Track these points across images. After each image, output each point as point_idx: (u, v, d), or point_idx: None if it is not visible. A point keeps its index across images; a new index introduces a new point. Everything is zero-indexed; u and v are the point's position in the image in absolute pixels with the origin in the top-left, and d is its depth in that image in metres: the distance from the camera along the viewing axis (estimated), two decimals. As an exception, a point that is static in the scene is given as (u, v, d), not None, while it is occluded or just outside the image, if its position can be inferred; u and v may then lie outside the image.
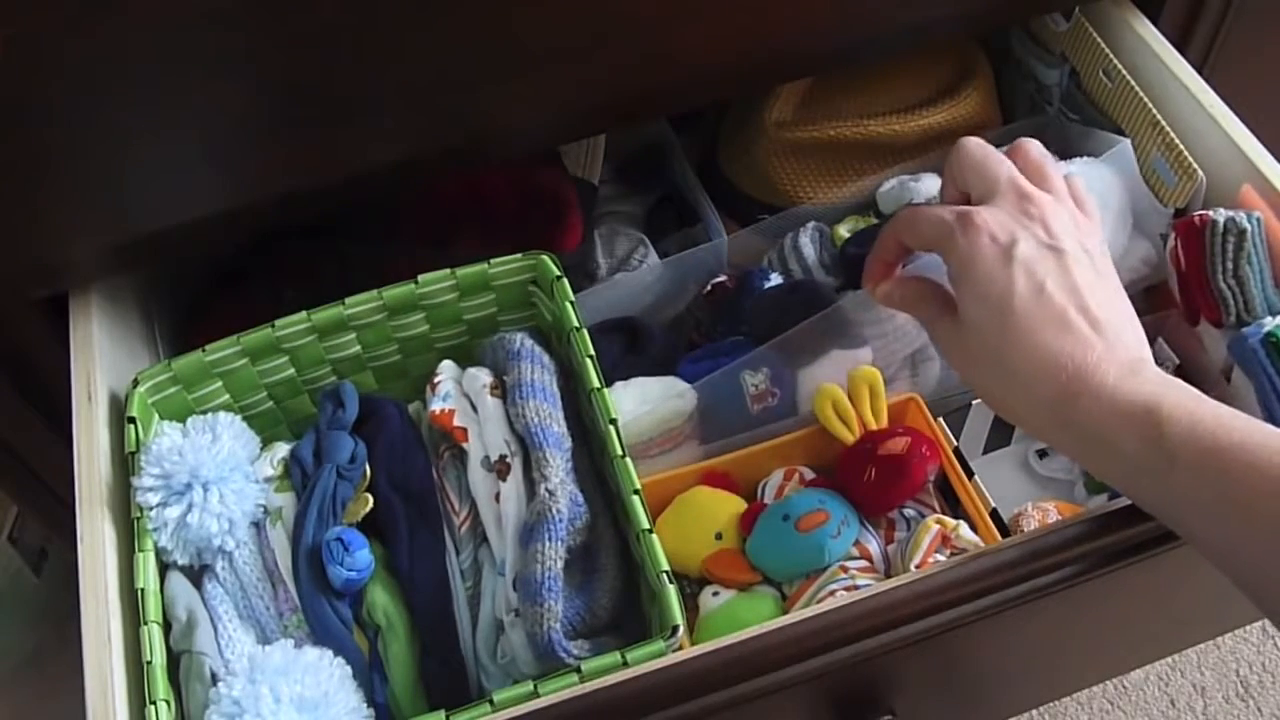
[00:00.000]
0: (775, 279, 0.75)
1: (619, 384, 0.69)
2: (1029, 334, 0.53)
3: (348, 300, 0.63)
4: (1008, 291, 0.53)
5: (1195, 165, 0.68)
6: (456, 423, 0.60)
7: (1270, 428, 0.47)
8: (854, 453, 0.68)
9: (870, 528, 0.67)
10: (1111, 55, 0.73)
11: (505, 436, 0.59)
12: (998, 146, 0.60)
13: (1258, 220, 0.63)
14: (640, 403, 0.68)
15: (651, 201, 0.92)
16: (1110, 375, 0.51)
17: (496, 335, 0.65)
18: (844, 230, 0.78)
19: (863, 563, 0.65)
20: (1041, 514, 0.72)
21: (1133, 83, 0.72)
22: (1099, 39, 0.74)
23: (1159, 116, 0.70)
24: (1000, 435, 0.81)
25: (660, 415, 0.68)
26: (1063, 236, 0.55)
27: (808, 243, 0.78)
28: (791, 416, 0.71)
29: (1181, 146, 0.69)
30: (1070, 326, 0.52)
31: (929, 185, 0.77)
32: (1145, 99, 0.71)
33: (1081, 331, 0.52)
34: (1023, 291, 0.53)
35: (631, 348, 0.72)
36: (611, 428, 0.57)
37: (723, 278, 0.77)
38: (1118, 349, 0.52)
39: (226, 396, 0.64)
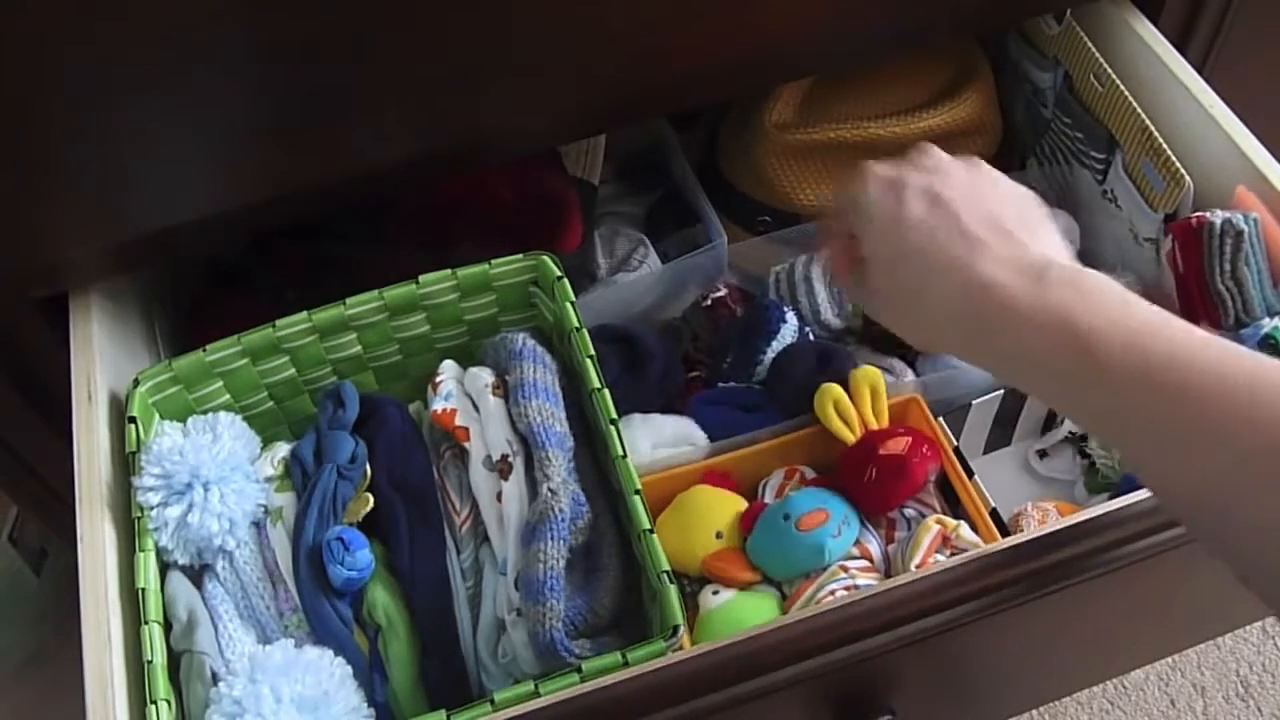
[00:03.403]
0: (791, 320, 0.74)
1: (637, 417, 0.70)
2: (924, 251, 0.52)
3: (349, 300, 0.63)
4: (900, 216, 0.53)
5: (1183, 171, 0.68)
6: (458, 422, 0.61)
7: (1194, 333, 0.44)
8: (855, 452, 0.68)
9: (871, 527, 0.67)
10: (1101, 59, 0.74)
11: (507, 436, 0.59)
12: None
13: (1255, 221, 0.63)
14: (654, 443, 0.69)
15: (651, 201, 0.92)
16: (1016, 282, 0.48)
17: (499, 335, 0.65)
18: None
19: (863, 562, 0.65)
20: (1041, 514, 0.72)
21: (1122, 87, 0.72)
22: (1089, 42, 0.75)
23: (1148, 121, 0.70)
24: (1000, 435, 0.81)
25: (673, 461, 0.69)
26: (948, 165, 0.55)
27: (819, 279, 0.77)
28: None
29: (1169, 152, 0.69)
30: (966, 234, 0.51)
31: None
32: (1134, 103, 0.71)
33: (978, 236, 0.50)
34: (915, 211, 0.53)
35: (631, 365, 0.72)
36: (612, 428, 0.57)
37: (722, 290, 0.77)
38: (1020, 250, 0.49)
39: (227, 396, 0.64)
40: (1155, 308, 0.45)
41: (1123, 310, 0.45)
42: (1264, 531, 0.40)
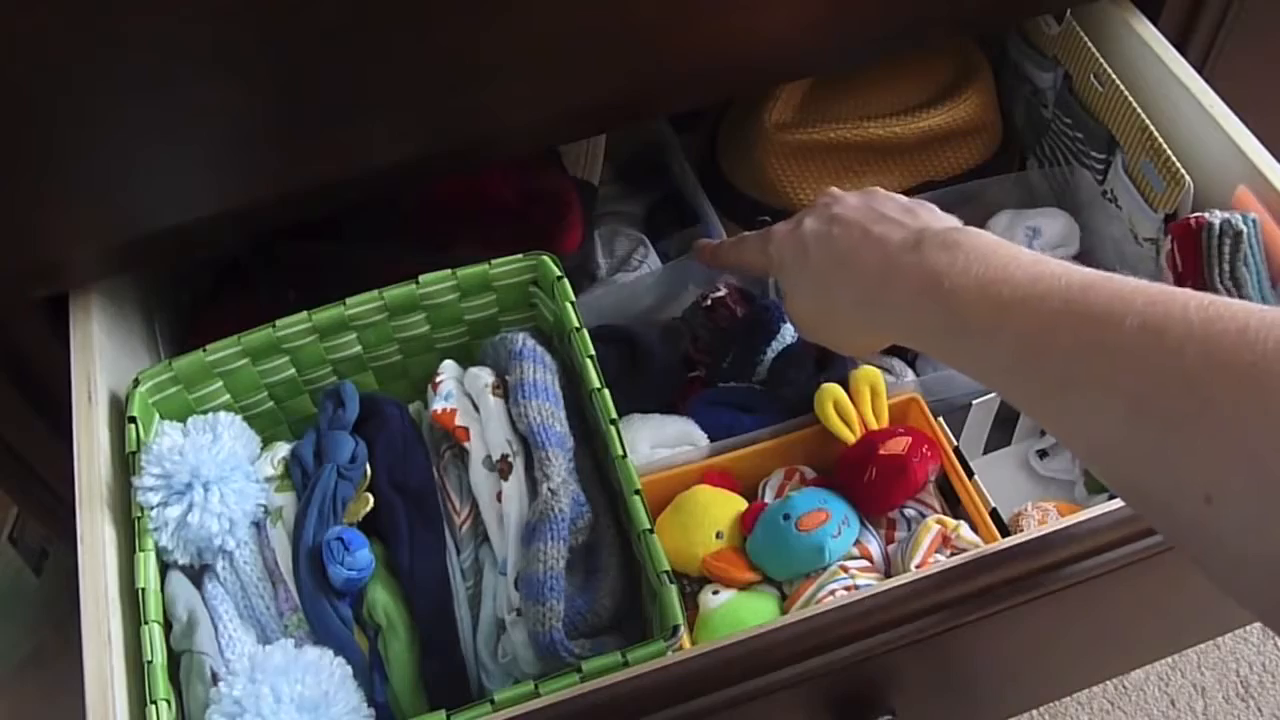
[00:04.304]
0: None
1: (637, 417, 0.70)
2: (826, 260, 0.58)
3: (349, 300, 0.63)
4: (803, 245, 0.59)
5: (1183, 171, 0.68)
6: (458, 422, 0.61)
7: (1044, 272, 0.45)
8: (855, 452, 0.68)
9: (871, 527, 0.67)
10: (1101, 59, 0.74)
11: (507, 436, 0.59)
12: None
13: (1254, 221, 0.63)
14: (653, 444, 0.69)
15: (651, 201, 0.92)
16: (901, 256, 0.52)
17: (499, 335, 0.65)
18: None
19: (863, 562, 0.65)
20: (1041, 514, 0.72)
21: (1122, 87, 0.72)
22: (1089, 42, 0.75)
23: (1148, 121, 0.70)
24: (1000, 435, 0.81)
25: (673, 461, 0.69)
26: (841, 195, 0.61)
27: None
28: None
29: (1169, 152, 0.69)
30: (866, 233, 0.56)
31: (1046, 223, 0.78)
32: (1134, 104, 0.71)
33: (871, 231, 0.55)
34: (814, 234, 0.59)
35: (631, 364, 0.72)
36: (613, 428, 0.57)
37: (722, 290, 0.77)
38: (907, 230, 0.54)
39: (227, 396, 0.64)
40: (1032, 254, 0.47)
41: (983, 262, 0.47)
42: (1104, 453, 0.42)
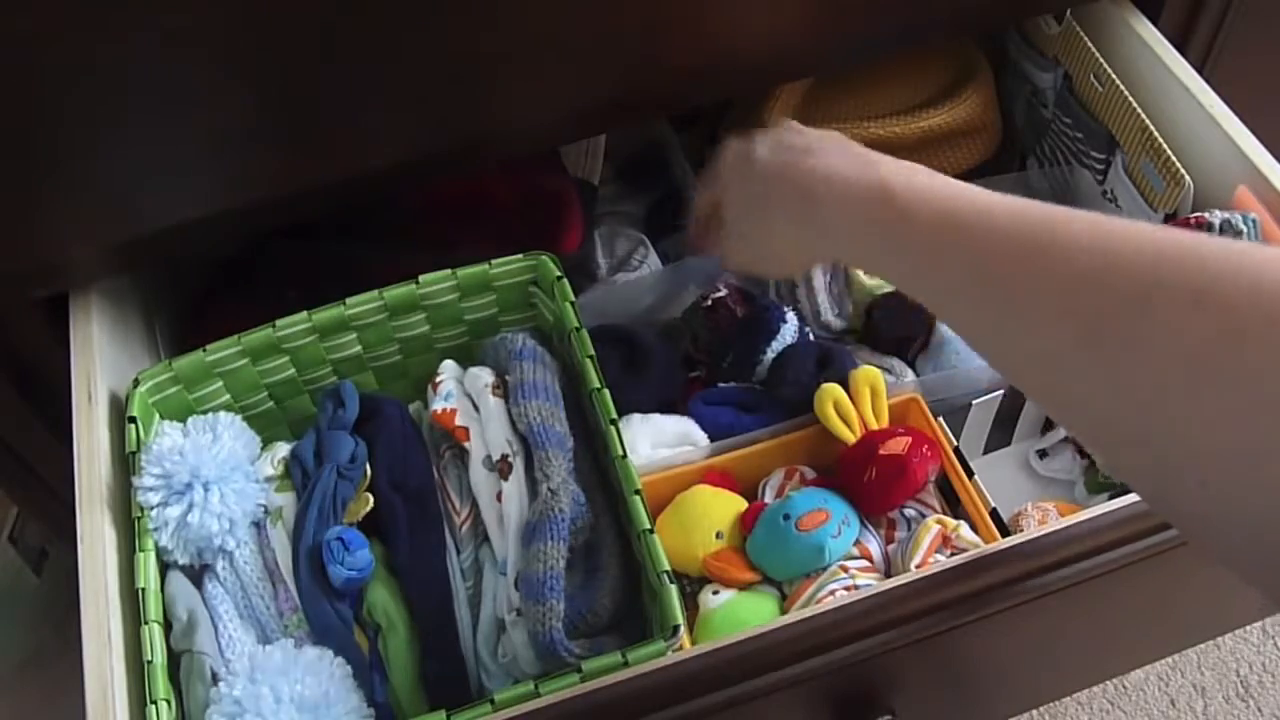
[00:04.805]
0: (792, 320, 0.75)
1: (637, 417, 0.70)
2: (767, 178, 0.57)
3: (349, 300, 0.63)
4: (749, 159, 0.58)
5: (1183, 171, 0.68)
6: (458, 422, 0.61)
7: (1005, 199, 0.45)
8: (855, 452, 0.68)
9: (871, 527, 0.67)
10: (1101, 59, 0.74)
11: (507, 436, 0.59)
12: None
13: (1254, 222, 0.63)
14: (654, 444, 0.69)
15: (651, 201, 0.92)
16: (849, 166, 0.51)
17: (499, 335, 0.65)
18: (866, 278, 0.77)
19: (863, 562, 0.65)
20: (1041, 514, 0.72)
21: (1122, 87, 0.72)
22: (1089, 42, 0.75)
23: (1148, 121, 0.70)
24: (1000, 435, 0.81)
25: (673, 461, 0.69)
26: (797, 126, 0.59)
27: (819, 279, 0.77)
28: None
29: (1170, 153, 0.69)
30: (809, 150, 0.55)
31: None
32: (1134, 103, 0.71)
33: (819, 148, 0.54)
34: (761, 154, 0.57)
35: (630, 364, 0.72)
36: (613, 428, 0.57)
37: (723, 291, 0.77)
38: (854, 156, 0.53)
39: (227, 396, 0.64)
40: (987, 191, 0.47)
41: (942, 184, 0.48)
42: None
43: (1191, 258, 0.36)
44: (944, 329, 0.77)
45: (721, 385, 0.75)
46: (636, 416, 0.70)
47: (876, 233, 0.49)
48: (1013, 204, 0.44)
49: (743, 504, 0.68)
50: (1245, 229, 0.63)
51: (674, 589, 0.52)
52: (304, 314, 0.63)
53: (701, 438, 0.71)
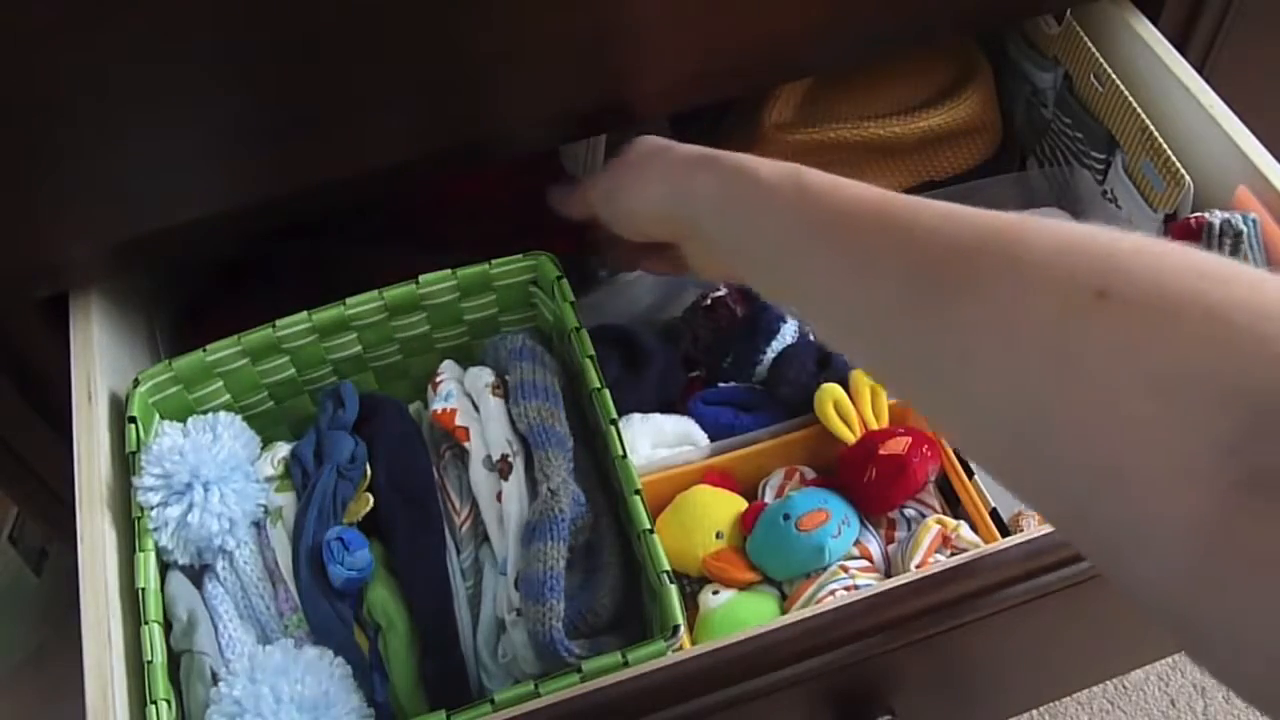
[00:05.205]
0: (791, 320, 0.75)
1: (637, 417, 0.70)
2: (643, 155, 0.58)
3: (348, 300, 0.63)
4: (626, 165, 0.59)
5: (1183, 171, 0.68)
6: (458, 422, 0.61)
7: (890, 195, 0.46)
8: (855, 452, 0.68)
9: (871, 527, 0.67)
10: (1101, 59, 0.74)
11: (507, 436, 0.59)
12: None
13: (1254, 222, 0.63)
14: (654, 444, 0.69)
15: (651, 202, 0.91)
16: (760, 166, 0.54)
17: (498, 335, 0.65)
18: None
19: (863, 562, 0.65)
20: (1041, 514, 0.72)
21: (1122, 87, 0.72)
22: (1089, 42, 0.75)
23: (1148, 121, 0.70)
24: (1000, 435, 0.81)
25: (673, 461, 0.69)
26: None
27: None
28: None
29: (1170, 153, 0.69)
30: (691, 151, 0.58)
31: None
32: (1134, 103, 0.71)
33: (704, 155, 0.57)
34: (634, 159, 0.59)
35: (630, 365, 0.72)
36: (613, 428, 0.57)
37: (723, 290, 0.77)
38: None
39: (227, 396, 0.64)
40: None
41: (845, 182, 0.49)
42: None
43: (1019, 222, 0.38)
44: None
45: (721, 385, 0.75)
46: (636, 416, 0.70)
47: (738, 205, 0.53)
48: (884, 192, 0.45)
49: (743, 504, 0.68)
50: (1245, 229, 0.63)
51: (674, 589, 0.52)
52: (304, 314, 0.63)
53: (701, 438, 0.71)
